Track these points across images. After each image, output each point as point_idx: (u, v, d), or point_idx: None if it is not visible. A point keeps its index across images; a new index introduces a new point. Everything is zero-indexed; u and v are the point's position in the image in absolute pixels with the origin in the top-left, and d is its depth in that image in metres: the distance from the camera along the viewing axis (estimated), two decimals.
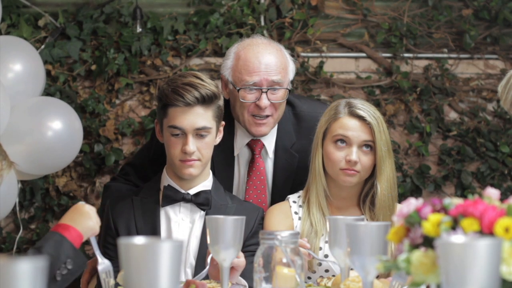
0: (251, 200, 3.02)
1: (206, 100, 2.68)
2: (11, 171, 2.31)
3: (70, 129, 3.58)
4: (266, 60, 2.96)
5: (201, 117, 2.69)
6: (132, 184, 3.06)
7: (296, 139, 3.07)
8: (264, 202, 3.05)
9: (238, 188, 3.09)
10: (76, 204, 2.30)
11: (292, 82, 3.12)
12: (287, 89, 3.00)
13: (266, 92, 2.95)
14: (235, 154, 3.06)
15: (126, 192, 2.96)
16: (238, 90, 2.96)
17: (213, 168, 2.89)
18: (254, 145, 3.06)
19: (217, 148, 2.91)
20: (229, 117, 3.03)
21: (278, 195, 3.03)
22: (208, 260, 2.49)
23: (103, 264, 2.32)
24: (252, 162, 3.06)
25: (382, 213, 2.76)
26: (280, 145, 3.09)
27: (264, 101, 2.94)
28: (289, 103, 3.10)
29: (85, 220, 2.24)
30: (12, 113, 3.40)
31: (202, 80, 2.72)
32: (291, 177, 3.04)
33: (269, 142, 3.08)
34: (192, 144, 2.68)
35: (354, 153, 2.74)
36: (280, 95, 2.98)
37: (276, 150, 3.08)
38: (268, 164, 3.09)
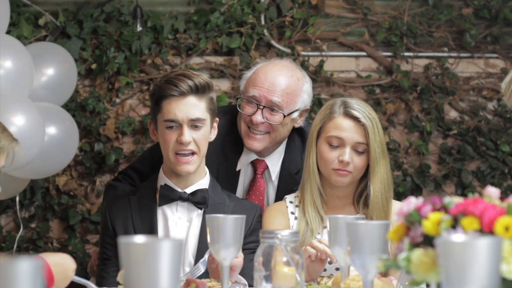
0: None
1: (199, 89, 2.70)
2: (18, 147, 2.24)
3: (33, 127, 3.44)
4: (273, 79, 2.95)
5: (195, 107, 2.70)
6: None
7: (302, 166, 2.99)
8: None
9: None
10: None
11: (302, 112, 3.02)
12: (283, 115, 2.94)
13: (262, 109, 2.94)
14: (237, 169, 3.05)
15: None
16: (238, 99, 2.99)
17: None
18: (258, 165, 3.05)
19: (223, 162, 2.95)
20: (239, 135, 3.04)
21: None
22: (206, 256, 2.50)
23: None
24: (253, 181, 3.05)
25: (376, 214, 2.75)
26: (286, 170, 3.06)
27: (257, 117, 2.94)
28: (300, 131, 3.07)
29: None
30: None
31: (194, 72, 2.79)
32: None
33: (273, 165, 3.06)
34: (187, 134, 2.68)
35: (347, 154, 2.73)
36: (276, 118, 2.95)
37: (281, 175, 3.06)
38: (270, 187, 3.07)
